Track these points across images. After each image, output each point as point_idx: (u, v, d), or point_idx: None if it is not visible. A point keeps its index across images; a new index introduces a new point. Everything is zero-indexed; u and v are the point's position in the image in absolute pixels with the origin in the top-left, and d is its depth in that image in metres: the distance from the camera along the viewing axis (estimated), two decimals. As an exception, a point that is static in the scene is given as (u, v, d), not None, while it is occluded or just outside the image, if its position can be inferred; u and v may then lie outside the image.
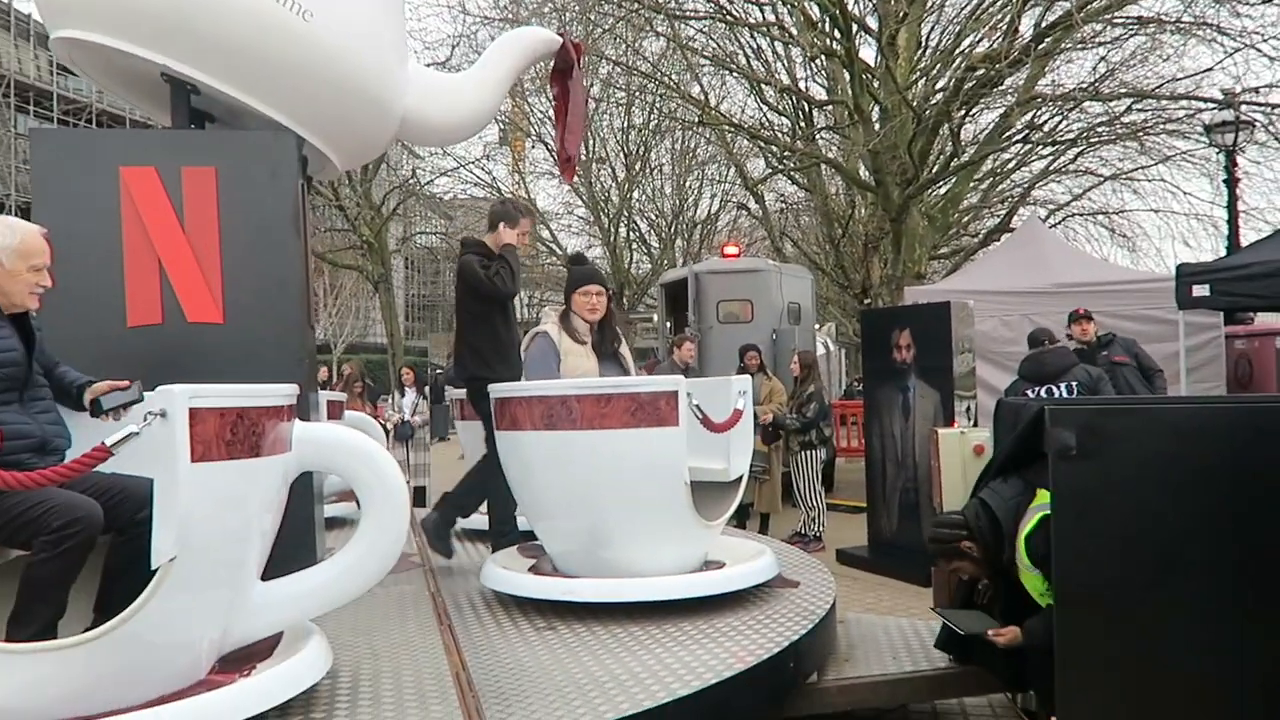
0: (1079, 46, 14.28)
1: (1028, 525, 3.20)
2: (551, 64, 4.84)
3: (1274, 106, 13.90)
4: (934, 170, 14.05)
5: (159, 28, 3.47)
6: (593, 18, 14.52)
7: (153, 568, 2.23)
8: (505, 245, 4.59)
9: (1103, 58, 14.87)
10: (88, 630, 2.27)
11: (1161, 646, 2.99)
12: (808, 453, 8.08)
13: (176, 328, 3.57)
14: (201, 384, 2.30)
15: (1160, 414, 3.20)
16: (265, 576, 2.66)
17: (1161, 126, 16.19)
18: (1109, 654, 3.04)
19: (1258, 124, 14.43)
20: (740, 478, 3.96)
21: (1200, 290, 7.49)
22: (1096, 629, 3.05)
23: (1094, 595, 3.06)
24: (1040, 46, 12.77)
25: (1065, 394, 5.46)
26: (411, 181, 24.21)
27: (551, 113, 23.62)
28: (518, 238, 4.65)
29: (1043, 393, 5.63)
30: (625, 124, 22.88)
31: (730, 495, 3.95)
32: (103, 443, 2.23)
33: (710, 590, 3.54)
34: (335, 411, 5.77)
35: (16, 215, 3.64)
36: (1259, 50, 13.19)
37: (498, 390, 3.86)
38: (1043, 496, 3.19)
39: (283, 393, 2.58)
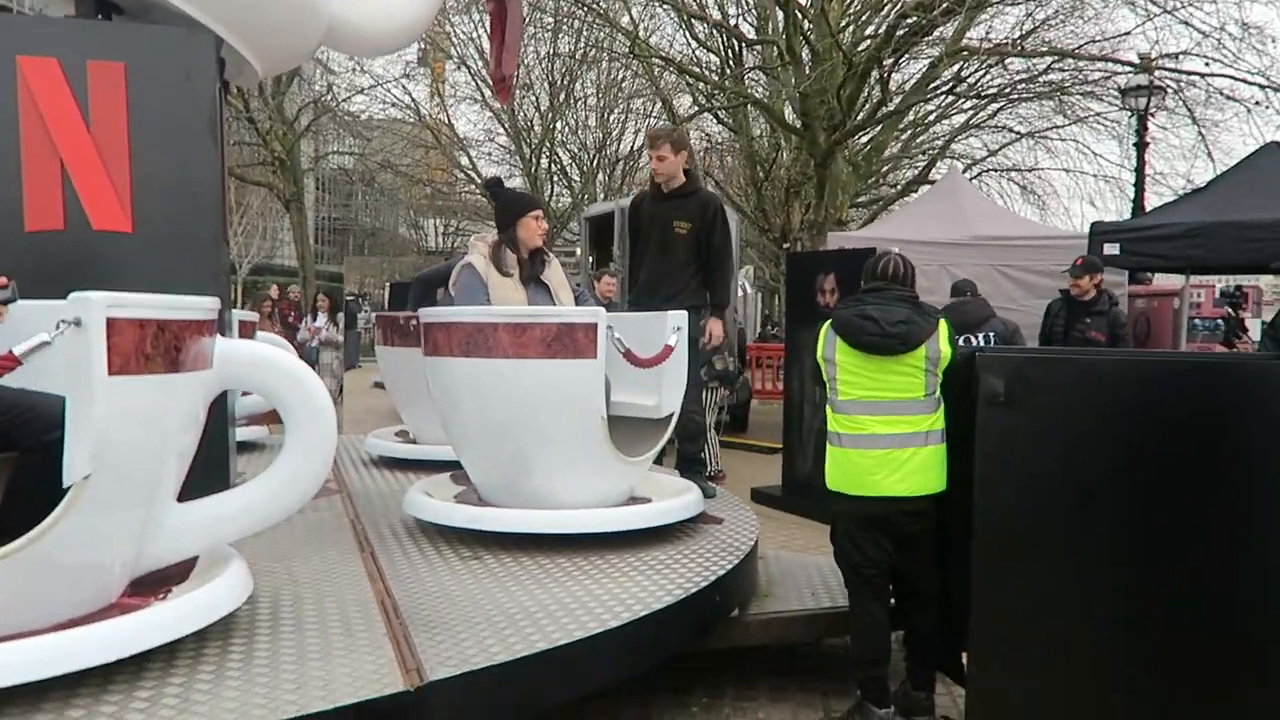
0: (1009, 1, 14.47)
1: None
2: (488, -23, 4.63)
3: (1187, 73, 14.34)
4: (860, 117, 14.11)
5: (64, -96, 3.19)
6: (524, -64, 14.00)
7: (65, 485, 2.10)
8: None
9: (1030, 14, 15.11)
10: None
11: (1072, 581, 3.12)
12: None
13: (80, 235, 3.35)
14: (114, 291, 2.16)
15: (1084, 365, 3.29)
16: (179, 500, 2.54)
17: (1078, 87, 16.61)
18: (1022, 586, 3.16)
19: (1169, 90, 14.91)
20: (671, 415, 3.95)
21: (1111, 249, 7.73)
22: (1013, 564, 3.17)
23: (1012, 533, 3.17)
24: (972, -3, 12.86)
25: (982, 343, 5.60)
26: (327, 98, 23.23)
27: (474, 35, 22.84)
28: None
29: (960, 341, 5.76)
30: (551, 51, 22.33)
31: (660, 432, 3.94)
32: (10, 350, 2.07)
33: (636, 524, 3.54)
34: (247, 332, 5.54)
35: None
36: (1174, 16, 13.57)
37: (424, 315, 3.75)
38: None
39: (205, 306, 2.44)
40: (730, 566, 3.31)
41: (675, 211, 4.70)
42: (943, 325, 3.40)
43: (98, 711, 1.98)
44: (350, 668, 2.23)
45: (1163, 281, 11.70)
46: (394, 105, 24.74)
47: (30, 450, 2.30)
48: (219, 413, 3.64)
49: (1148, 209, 12.06)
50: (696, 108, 18.55)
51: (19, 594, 2.12)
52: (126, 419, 2.15)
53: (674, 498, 3.78)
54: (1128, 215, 13.32)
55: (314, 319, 9.55)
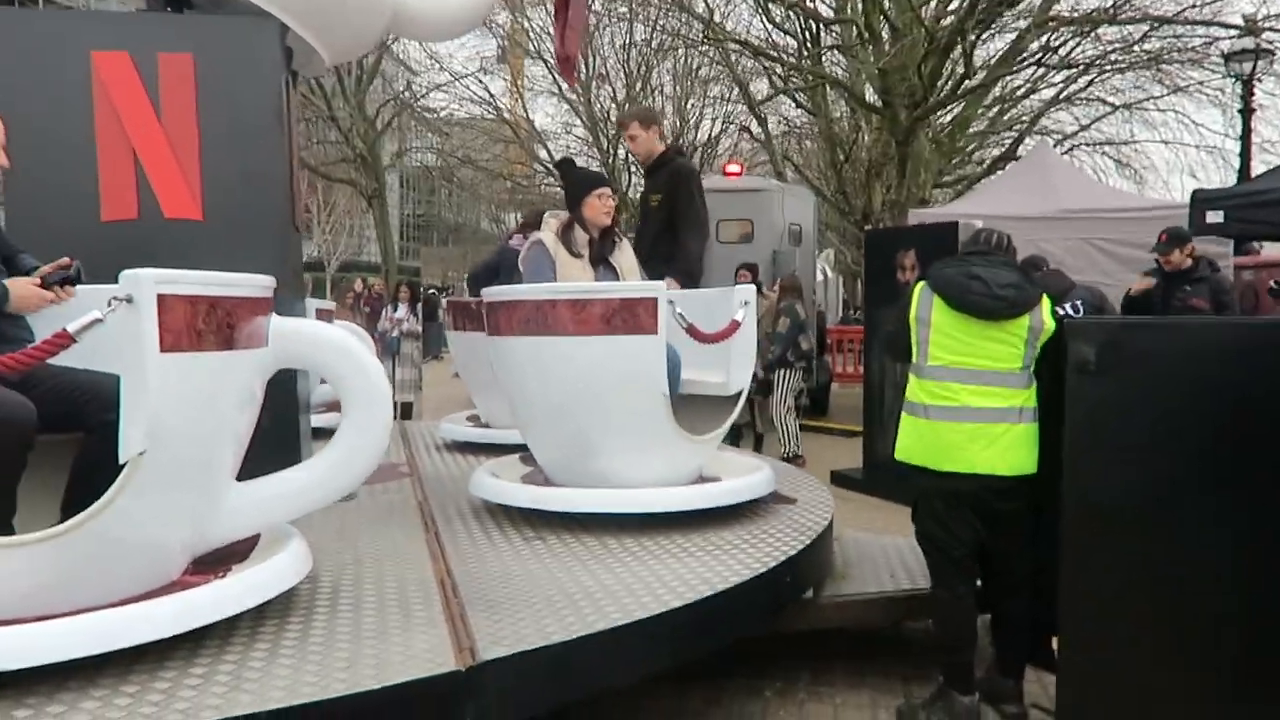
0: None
1: None
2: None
3: (1295, 33, 13.50)
4: (943, 93, 13.68)
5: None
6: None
7: (121, 461, 2.11)
8: None
9: (1124, -22, 14.41)
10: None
11: (1170, 564, 2.92)
12: (781, 370, 7.95)
13: (153, 224, 3.42)
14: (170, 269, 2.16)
15: (1181, 330, 3.07)
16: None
17: (1177, 54, 15.79)
18: (1116, 571, 2.97)
19: (1278, 52, 14.06)
20: (740, 393, 3.83)
21: (1214, 217, 7.28)
22: (1105, 545, 2.97)
23: (1105, 511, 2.98)
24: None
25: (1071, 313, 5.32)
26: (406, 95, 23.64)
27: (549, 28, 22.98)
28: None
29: None
30: (627, 41, 22.29)
31: (727, 410, 3.83)
32: (64, 329, 2.08)
33: (703, 504, 3.43)
34: (325, 320, 5.62)
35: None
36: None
37: (487, 295, 3.71)
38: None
39: (258, 284, 2.43)
40: (802, 546, 3.19)
41: (652, 185, 4.78)
42: (1046, 298, 3.20)
43: (152, 687, 1.97)
44: (404, 647, 2.19)
45: (1272, 251, 11.05)
46: (472, 101, 25.07)
47: (92, 430, 2.33)
48: (290, 398, 3.68)
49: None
50: (774, 91, 18.29)
51: (79, 570, 2.13)
52: (180, 396, 2.14)
53: (744, 476, 3.67)
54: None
55: (395, 310, 9.73)
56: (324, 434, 5.22)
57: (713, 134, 25.97)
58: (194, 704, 1.90)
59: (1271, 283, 7.45)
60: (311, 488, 2.57)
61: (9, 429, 2.14)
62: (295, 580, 2.43)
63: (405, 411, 9.28)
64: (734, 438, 7.82)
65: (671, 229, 4.67)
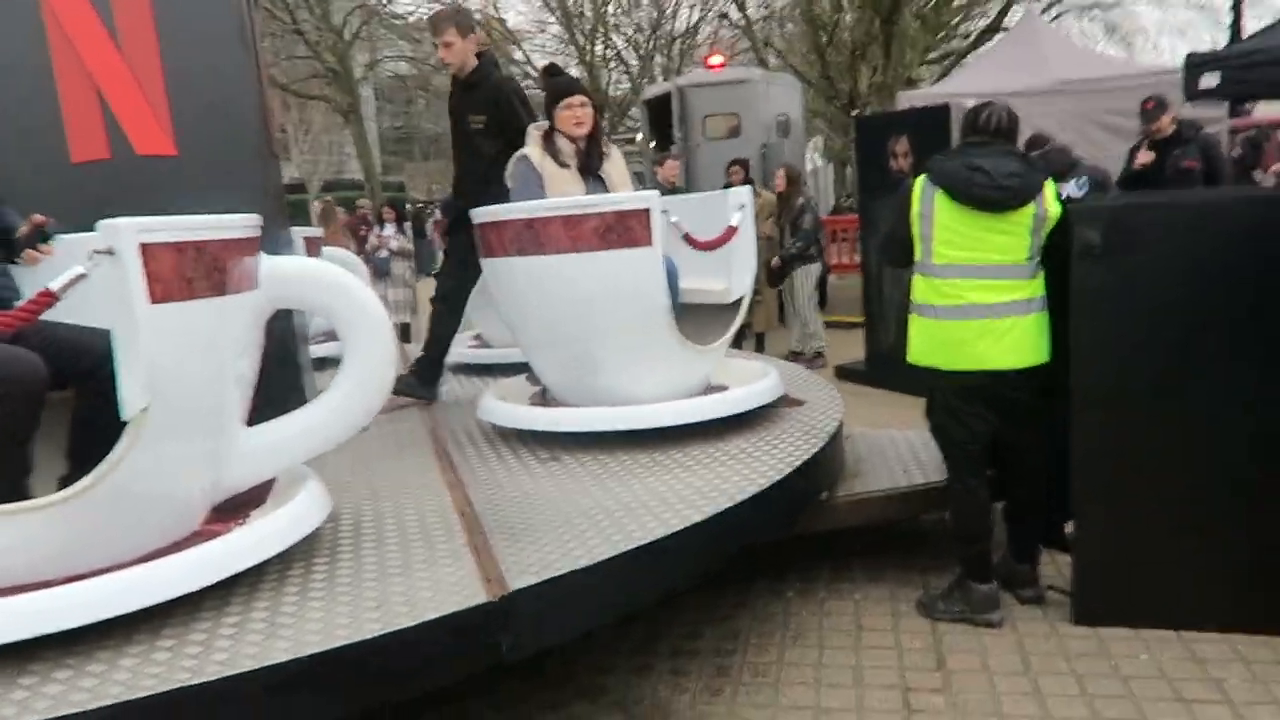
0: None
1: None
2: None
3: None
4: (927, -36, 13.21)
5: None
6: None
7: (125, 419, 2.06)
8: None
9: None
10: (61, 481, 2.14)
11: (1183, 443, 2.93)
12: (806, 266, 7.88)
13: (126, 162, 3.30)
14: (151, 216, 2.07)
15: (1189, 205, 3.01)
16: (254, 423, 2.51)
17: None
18: (1129, 454, 2.98)
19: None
20: (741, 298, 3.77)
21: (1209, 80, 7.10)
22: (1117, 429, 2.98)
23: (1115, 396, 2.98)
24: None
25: (1076, 191, 5.23)
26: (373, 2, 22.79)
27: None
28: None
29: None
30: (595, -71, 21.40)
31: (731, 317, 3.78)
32: (47, 287, 2.01)
33: (712, 414, 3.40)
34: (313, 249, 5.49)
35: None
36: None
37: (476, 216, 3.61)
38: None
39: (244, 224, 2.33)
40: (814, 450, 3.18)
41: (470, 105, 4.26)
42: (1049, 184, 3.11)
43: (189, 639, 1.97)
44: (431, 581, 2.19)
45: (1265, 111, 10.84)
46: (442, 3, 24.14)
47: (83, 385, 2.28)
48: (284, 332, 3.61)
49: (1245, 36, 11.08)
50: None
51: (100, 527, 2.11)
52: (177, 347, 2.08)
53: (752, 383, 3.64)
54: (1224, 45, 12.26)
55: (381, 229, 9.55)
56: (325, 364, 5.20)
57: (691, 22, 25.22)
58: (232, 653, 1.90)
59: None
60: (321, 428, 2.54)
61: (17, 386, 2.08)
62: (316, 523, 2.41)
63: (403, 334, 9.20)
64: (737, 339, 7.76)
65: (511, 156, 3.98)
